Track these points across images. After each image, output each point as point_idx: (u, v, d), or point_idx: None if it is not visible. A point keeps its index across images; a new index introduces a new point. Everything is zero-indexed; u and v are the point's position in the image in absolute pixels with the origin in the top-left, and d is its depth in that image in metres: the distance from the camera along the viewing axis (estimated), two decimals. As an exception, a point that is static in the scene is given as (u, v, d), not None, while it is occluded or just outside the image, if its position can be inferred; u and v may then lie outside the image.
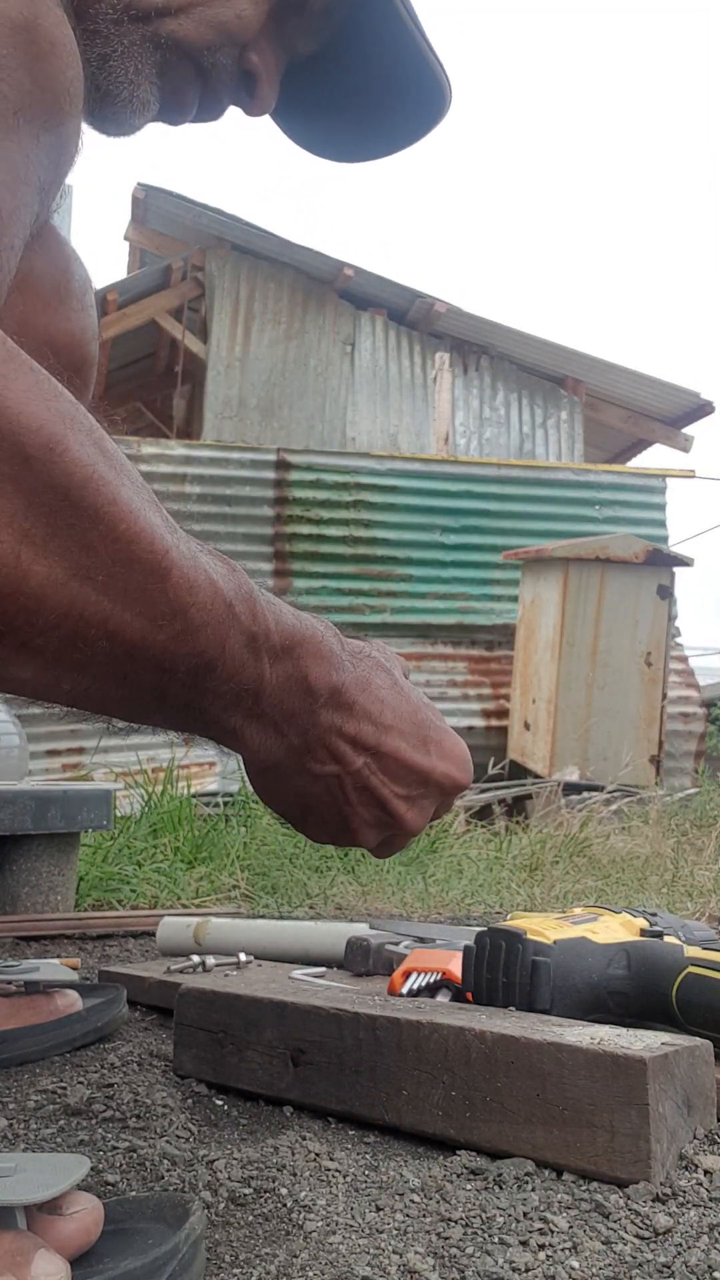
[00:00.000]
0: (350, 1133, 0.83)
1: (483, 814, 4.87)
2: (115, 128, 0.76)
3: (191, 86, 0.77)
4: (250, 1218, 0.68)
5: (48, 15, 0.57)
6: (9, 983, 1.10)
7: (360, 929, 1.31)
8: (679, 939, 0.98)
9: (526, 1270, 0.60)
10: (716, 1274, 0.60)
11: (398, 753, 0.71)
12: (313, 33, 0.82)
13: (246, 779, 0.73)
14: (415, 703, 0.74)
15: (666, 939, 0.96)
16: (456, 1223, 0.66)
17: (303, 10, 0.79)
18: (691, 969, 0.89)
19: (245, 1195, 0.71)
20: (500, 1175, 0.72)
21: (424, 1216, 0.68)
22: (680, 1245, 0.63)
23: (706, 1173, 0.71)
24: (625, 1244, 0.63)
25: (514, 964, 0.90)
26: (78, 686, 0.54)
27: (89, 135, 0.73)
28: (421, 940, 1.23)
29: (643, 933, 0.97)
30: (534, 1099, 0.74)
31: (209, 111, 0.80)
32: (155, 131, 0.80)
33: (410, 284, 8.74)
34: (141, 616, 0.53)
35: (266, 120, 0.88)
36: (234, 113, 0.83)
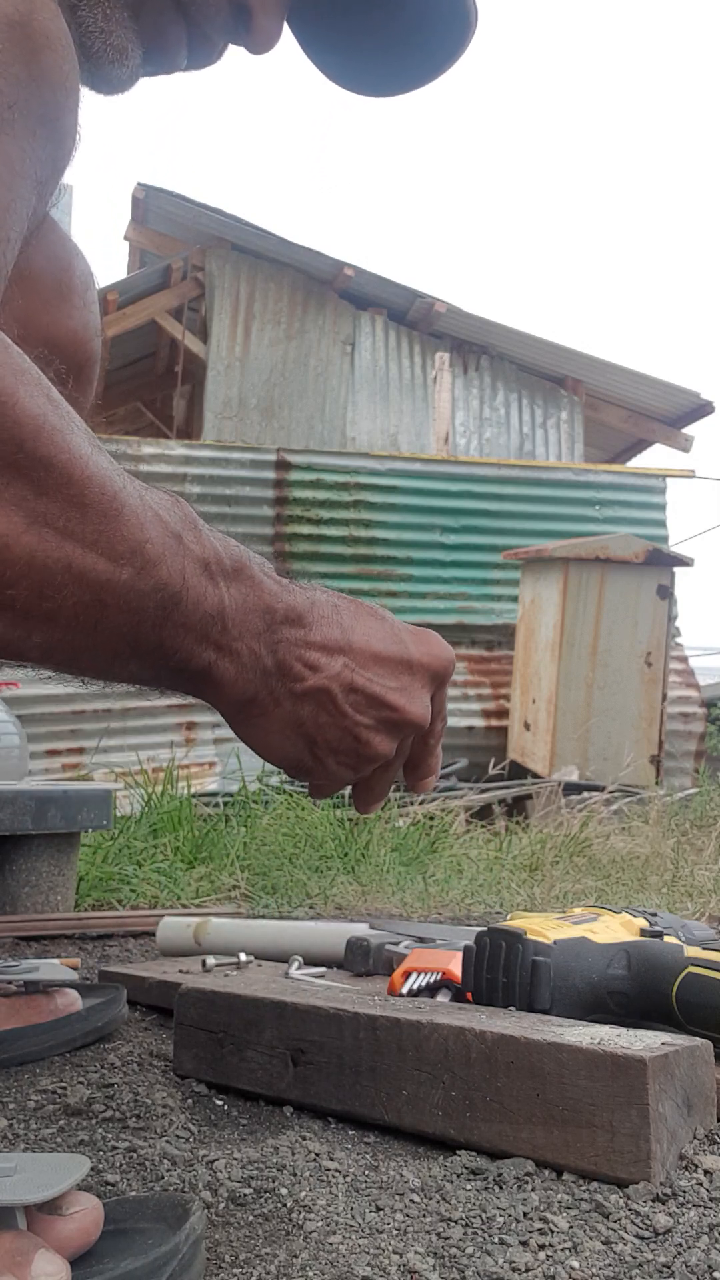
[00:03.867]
0: (350, 1133, 0.83)
1: (483, 814, 4.87)
2: (105, 85, 0.73)
3: (173, 25, 0.74)
4: (250, 1218, 0.68)
5: (43, 10, 0.57)
6: (9, 983, 1.10)
7: (360, 929, 1.31)
8: (679, 939, 0.98)
9: (526, 1270, 0.60)
10: (716, 1274, 0.60)
11: (369, 645, 0.70)
12: None
13: (245, 760, 0.72)
14: (369, 608, 0.73)
15: (666, 939, 0.96)
16: (456, 1223, 0.66)
17: None
18: (691, 969, 0.89)
19: (245, 1195, 0.71)
20: (500, 1175, 0.72)
21: (424, 1216, 0.68)
22: (680, 1245, 0.63)
23: (706, 1173, 0.71)
24: (625, 1244, 0.63)
25: (514, 964, 0.90)
26: (49, 639, 0.55)
27: (88, 98, 0.70)
28: (421, 940, 1.23)
29: (643, 933, 0.97)
30: (534, 1099, 0.74)
31: (201, 53, 0.77)
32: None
33: (410, 284, 8.75)
34: (103, 558, 0.53)
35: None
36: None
